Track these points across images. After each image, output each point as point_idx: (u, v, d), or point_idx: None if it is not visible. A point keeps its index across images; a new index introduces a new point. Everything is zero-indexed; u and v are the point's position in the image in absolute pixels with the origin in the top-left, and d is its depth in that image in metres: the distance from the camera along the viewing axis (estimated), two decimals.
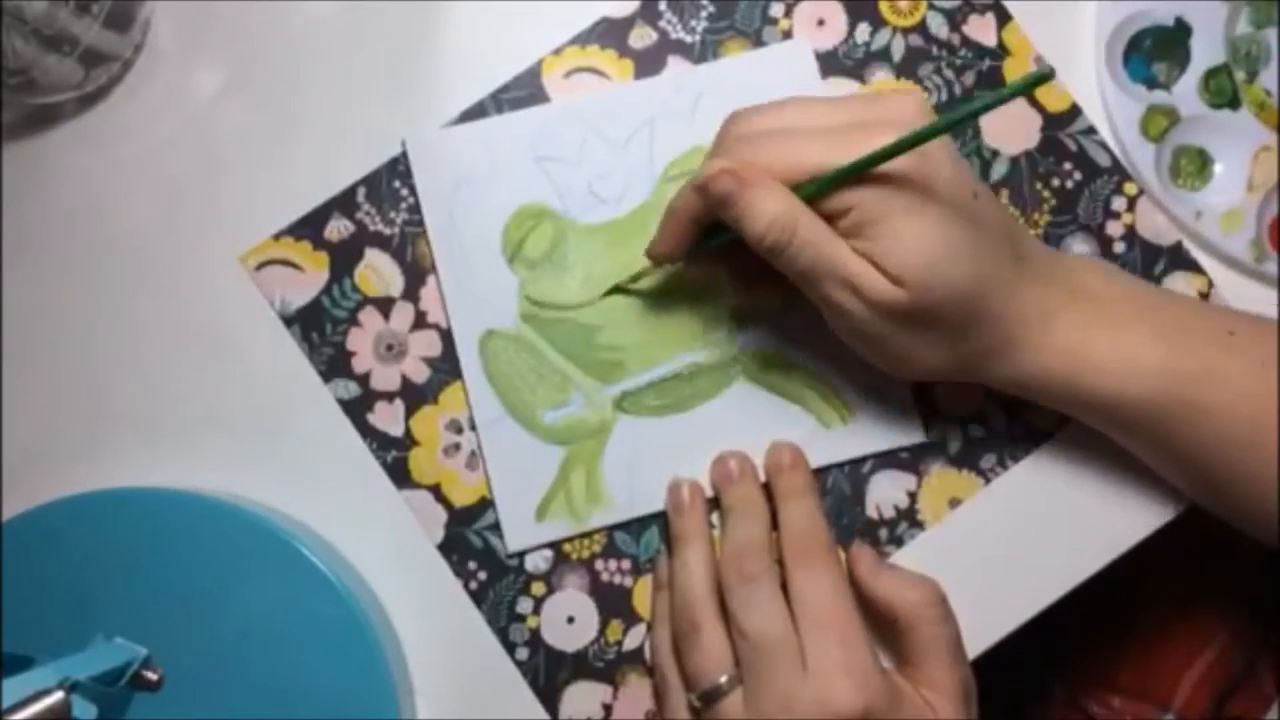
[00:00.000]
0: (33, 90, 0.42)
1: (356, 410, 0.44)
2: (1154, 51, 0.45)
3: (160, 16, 0.46)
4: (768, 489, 0.43)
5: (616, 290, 0.44)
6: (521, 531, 0.43)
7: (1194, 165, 0.45)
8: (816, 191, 0.36)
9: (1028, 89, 0.32)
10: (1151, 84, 0.45)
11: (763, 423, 0.44)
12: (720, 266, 0.42)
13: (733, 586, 0.40)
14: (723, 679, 0.39)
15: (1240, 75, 0.45)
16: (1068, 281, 0.39)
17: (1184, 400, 0.38)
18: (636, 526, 0.44)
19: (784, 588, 0.40)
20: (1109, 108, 0.45)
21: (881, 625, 0.42)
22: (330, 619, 0.40)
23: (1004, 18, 0.46)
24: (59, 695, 0.34)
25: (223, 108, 0.45)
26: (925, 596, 0.40)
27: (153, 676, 0.39)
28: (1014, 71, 0.45)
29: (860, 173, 0.36)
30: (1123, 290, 0.40)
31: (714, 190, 0.37)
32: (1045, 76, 0.31)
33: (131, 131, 0.45)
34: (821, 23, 0.46)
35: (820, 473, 0.44)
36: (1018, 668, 0.43)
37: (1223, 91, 0.45)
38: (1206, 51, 0.45)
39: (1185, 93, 0.45)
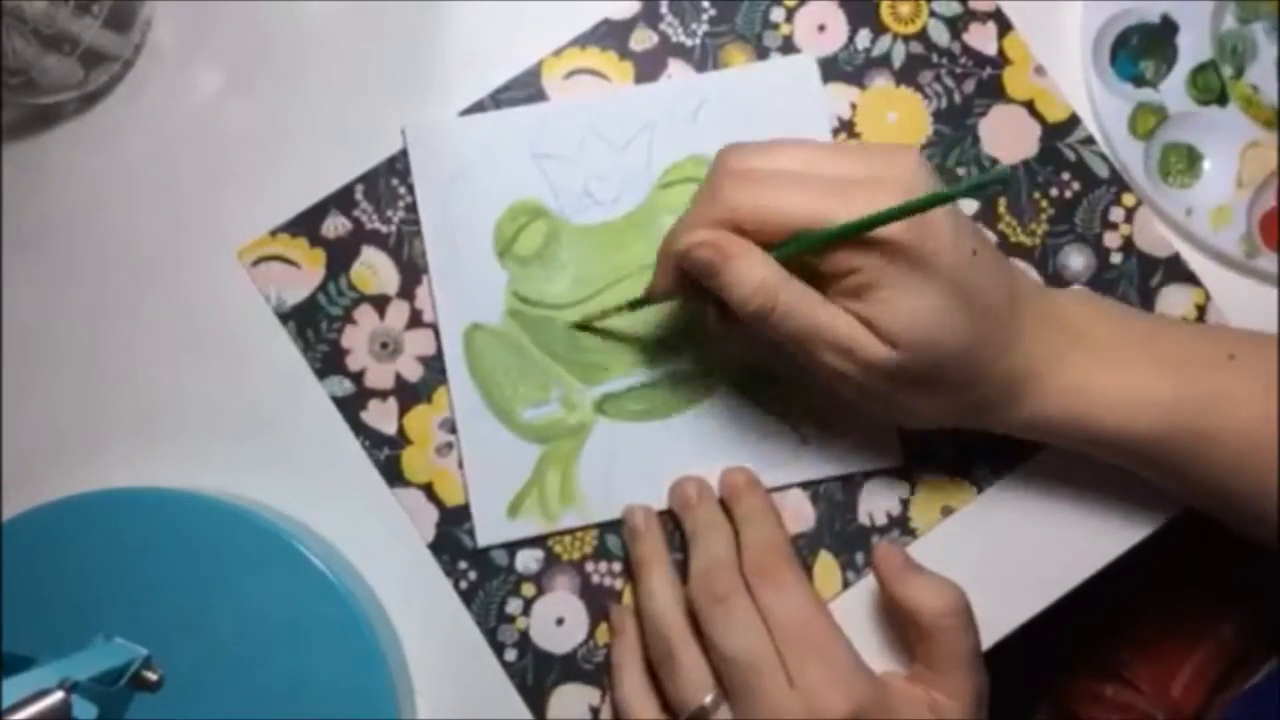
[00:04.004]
0: (33, 90, 0.43)
1: (350, 408, 0.44)
2: (1140, 49, 0.46)
3: (160, 16, 0.46)
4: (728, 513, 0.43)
5: (582, 326, 0.44)
6: (492, 526, 0.43)
7: (1183, 162, 0.45)
8: (812, 246, 0.36)
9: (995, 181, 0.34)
10: (1139, 82, 0.46)
11: (742, 434, 0.44)
12: (708, 303, 0.41)
13: (704, 608, 0.40)
14: (707, 699, 0.39)
15: (1227, 71, 0.45)
16: (1064, 324, 0.39)
17: (1191, 430, 0.38)
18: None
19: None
20: (1096, 106, 0.45)
21: (903, 625, 0.42)
22: (330, 619, 0.40)
23: (1005, 27, 0.46)
24: (59, 695, 0.34)
25: (223, 107, 0.46)
26: (949, 605, 0.40)
27: (153, 677, 0.39)
28: (1014, 80, 0.46)
29: (861, 233, 0.35)
30: (1120, 325, 0.40)
31: (694, 259, 0.37)
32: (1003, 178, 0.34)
33: (132, 131, 0.45)
34: (822, 28, 0.46)
35: (811, 479, 0.44)
36: (1017, 652, 0.43)
37: (1210, 88, 0.45)
38: (1193, 48, 0.45)
39: (1173, 90, 0.45)
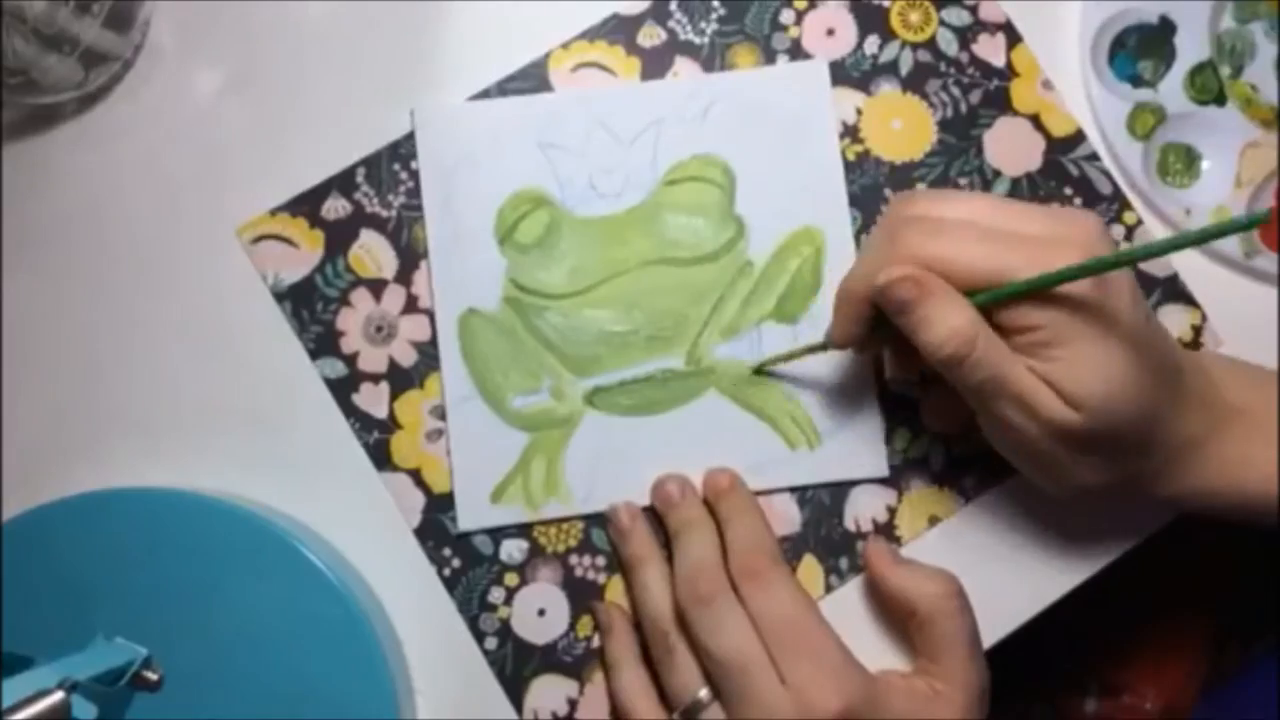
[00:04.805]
0: (33, 90, 0.43)
1: (342, 390, 0.44)
2: (1139, 49, 0.46)
3: (160, 16, 0.46)
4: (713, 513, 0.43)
5: (759, 371, 0.44)
6: (475, 511, 0.43)
7: (1182, 162, 0.45)
8: (993, 300, 0.36)
9: (1243, 228, 0.32)
10: (1137, 82, 0.46)
11: (729, 436, 0.44)
12: (890, 346, 0.42)
13: (689, 609, 0.40)
14: (702, 693, 0.39)
15: (1225, 71, 0.45)
16: (1220, 394, 0.39)
17: None
18: None
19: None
20: (1095, 107, 0.45)
21: (898, 619, 0.42)
22: (330, 619, 0.40)
23: (1014, 39, 0.46)
24: (59, 695, 0.34)
25: (223, 107, 0.46)
26: (943, 589, 0.40)
27: (153, 677, 0.39)
28: (1021, 93, 0.46)
29: (1043, 289, 0.35)
30: (1266, 390, 0.40)
31: (893, 295, 0.36)
32: (1260, 219, 0.31)
33: (131, 131, 0.45)
34: (831, 32, 0.46)
35: (797, 485, 0.44)
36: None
37: (1208, 88, 0.45)
38: (1191, 48, 0.45)
39: (1171, 90, 0.45)
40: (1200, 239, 0.32)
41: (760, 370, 0.44)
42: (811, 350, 0.42)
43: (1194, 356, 0.40)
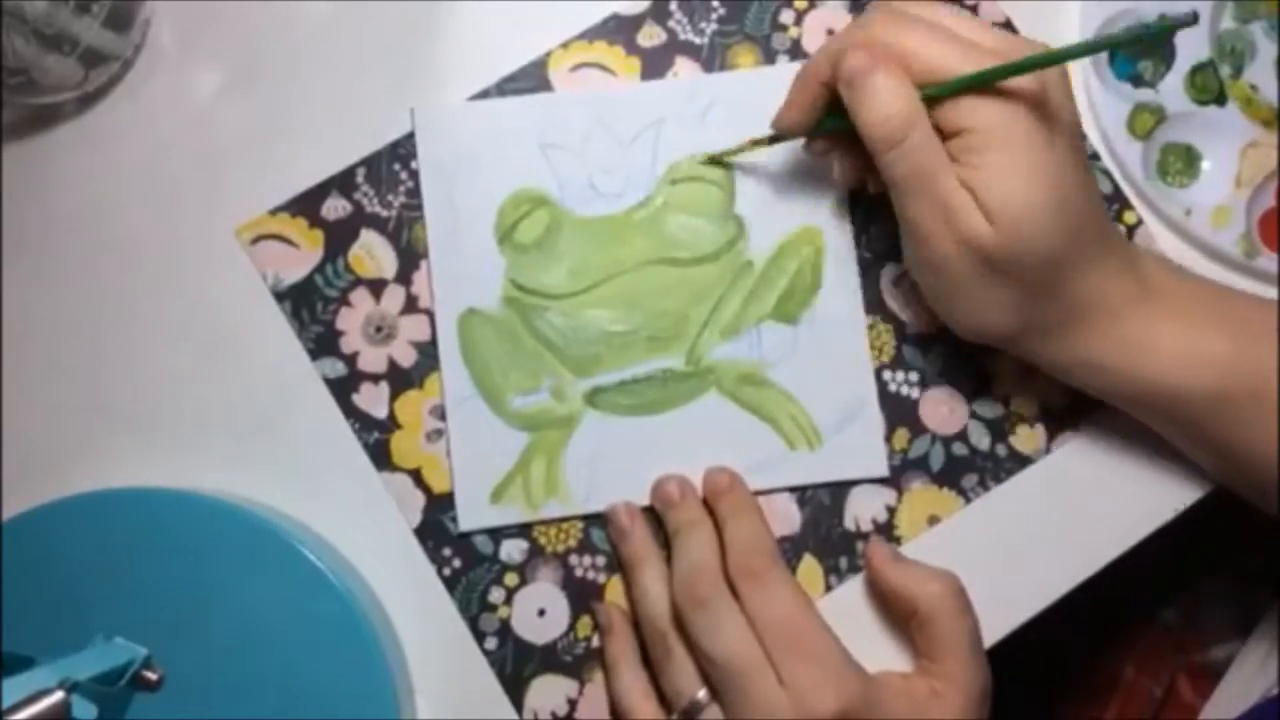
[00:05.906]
0: (33, 90, 0.43)
1: (342, 390, 0.44)
2: (1139, 49, 0.46)
3: (160, 16, 0.46)
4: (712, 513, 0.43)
5: (715, 161, 0.45)
6: (475, 511, 0.43)
7: (1182, 162, 0.46)
8: (939, 94, 0.37)
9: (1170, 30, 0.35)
10: (1137, 82, 0.46)
11: (729, 436, 0.44)
12: (838, 147, 0.42)
13: (687, 612, 0.40)
14: (700, 694, 0.39)
15: (1226, 71, 0.45)
16: (1139, 274, 0.39)
17: (1247, 391, 0.38)
18: None
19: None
20: (1095, 107, 0.46)
21: (899, 619, 0.42)
22: (330, 619, 0.40)
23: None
24: (59, 695, 0.34)
25: (223, 106, 0.46)
26: (945, 588, 0.40)
27: (153, 677, 0.39)
28: None
29: (985, 83, 0.36)
30: (1192, 286, 0.40)
31: (846, 64, 0.37)
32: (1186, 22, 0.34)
33: (131, 131, 0.45)
34: (831, 32, 0.46)
35: (796, 485, 0.44)
36: None
37: (1208, 88, 0.45)
38: (1191, 48, 0.46)
39: (1171, 90, 0.46)
40: (1130, 40, 0.36)
41: (713, 161, 0.45)
42: (758, 144, 0.43)
43: (1122, 235, 0.40)
